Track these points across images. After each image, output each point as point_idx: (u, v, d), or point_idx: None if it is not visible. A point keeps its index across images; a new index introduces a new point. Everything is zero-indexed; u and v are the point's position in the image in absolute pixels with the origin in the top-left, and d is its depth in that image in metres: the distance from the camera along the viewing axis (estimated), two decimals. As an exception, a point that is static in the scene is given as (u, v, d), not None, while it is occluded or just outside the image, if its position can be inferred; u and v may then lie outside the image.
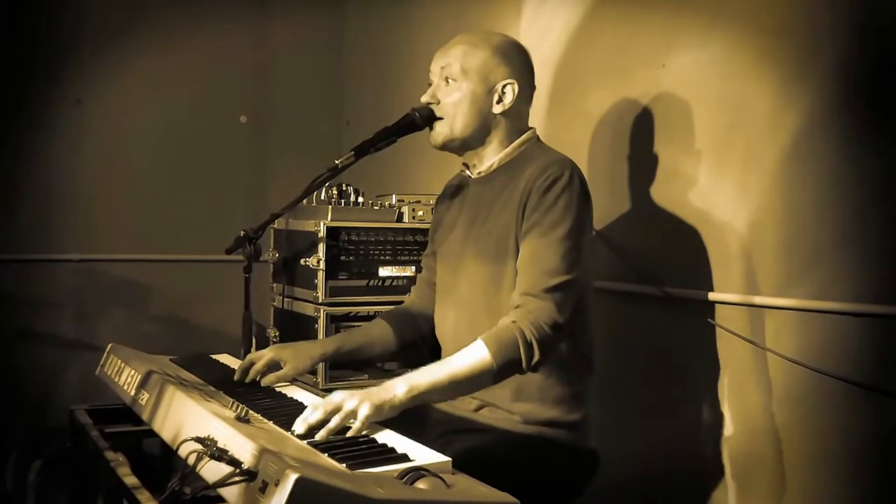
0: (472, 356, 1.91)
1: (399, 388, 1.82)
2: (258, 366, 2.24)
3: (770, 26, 2.31)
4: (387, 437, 1.67)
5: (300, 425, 1.69)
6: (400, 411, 1.81)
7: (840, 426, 2.16)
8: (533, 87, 2.28)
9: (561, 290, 1.98)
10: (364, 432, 1.69)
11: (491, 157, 2.25)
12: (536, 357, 1.93)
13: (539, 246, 2.02)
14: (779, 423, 2.30)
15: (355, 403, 1.74)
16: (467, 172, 2.32)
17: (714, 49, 2.47)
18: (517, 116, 2.24)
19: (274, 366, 2.27)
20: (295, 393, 2.11)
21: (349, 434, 1.67)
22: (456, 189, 2.40)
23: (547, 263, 2.00)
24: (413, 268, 2.96)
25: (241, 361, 2.39)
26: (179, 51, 4.15)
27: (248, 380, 2.22)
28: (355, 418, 1.72)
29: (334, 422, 1.70)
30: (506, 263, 2.11)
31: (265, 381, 2.20)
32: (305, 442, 1.60)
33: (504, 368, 1.92)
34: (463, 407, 2.18)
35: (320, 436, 1.66)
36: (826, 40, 2.17)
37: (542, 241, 2.02)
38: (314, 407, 1.73)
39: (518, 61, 2.23)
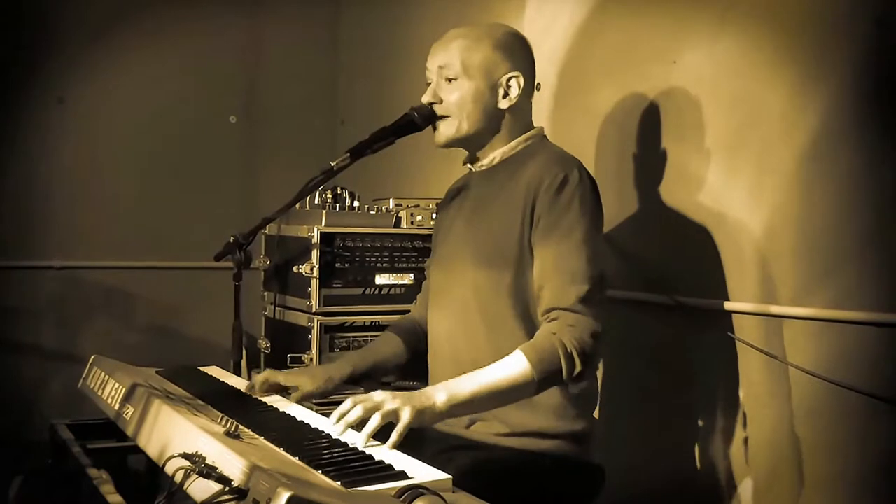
0: (512, 367, 1.94)
1: (439, 395, 1.85)
2: (265, 384, 2.23)
3: (786, 20, 2.32)
4: (384, 453, 1.68)
5: (338, 423, 1.73)
6: (440, 420, 1.85)
7: (861, 440, 2.16)
8: (535, 80, 2.30)
9: (593, 297, 2.02)
10: (361, 448, 1.69)
11: (493, 151, 2.26)
12: (578, 368, 1.96)
13: (561, 252, 2.05)
14: (796, 437, 2.30)
15: (397, 405, 1.76)
16: (469, 165, 2.34)
17: (727, 44, 2.47)
18: (522, 110, 2.26)
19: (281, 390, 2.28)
20: (287, 407, 2.11)
21: (389, 443, 1.69)
22: (457, 191, 2.41)
23: (574, 272, 2.02)
24: (412, 275, 2.96)
25: (229, 373, 2.40)
26: (166, 47, 4.15)
27: (257, 391, 2.22)
28: (397, 420, 1.73)
29: (375, 421, 1.72)
30: (506, 267, 2.12)
31: (291, 399, 2.19)
32: (297, 458, 1.60)
33: (545, 380, 1.95)
34: (455, 423, 2.18)
35: (362, 439, 1.69)
36: (845, 34, 2.18)
37: (563, 247, 2.05)
38: (352, 404, 1.76)
39: (520, 53, 2.25)
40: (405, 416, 1.75)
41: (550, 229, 2.06)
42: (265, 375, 2.25)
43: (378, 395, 1.79)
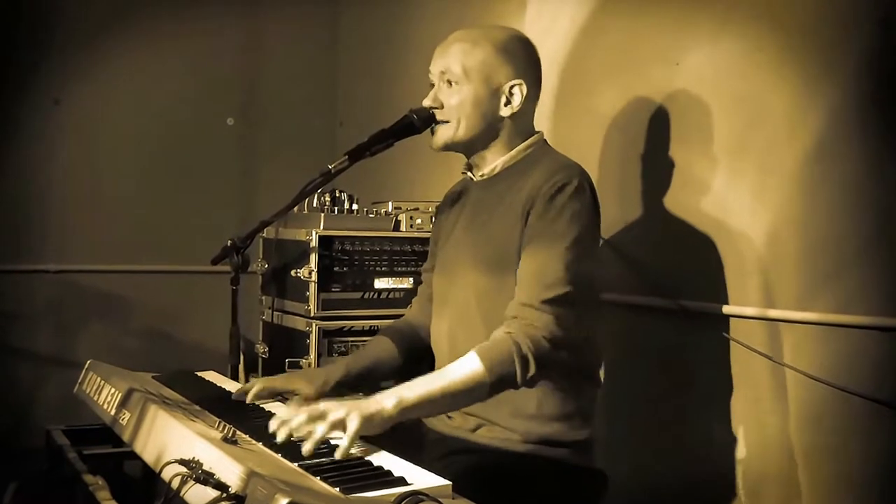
0: (465, 369, 1.92)
1: (388, 400, 1.82)
2: (262, 390, 2.23)
3: (789, 21, 2.32)
4: (383, 458, 1.68)
5: (281, 430, 1.69)
6: (390, 425, 1.81)
7: (863, 446, 2.16)
8: (539, 84, 2.28)
9: (561, 303, 1.99)
10: (358, 454, 1.69)
11: (494, 159, 2.25)
12: (532, 371, 1.93)
13: (542, 256, 2.03)
14: (798, 442, 2.30)
15: (343, 413, 1.73)
16: (469, 174, 2.33)
17: (730, 45, 2.48)
18: (524, 117, 2.24)
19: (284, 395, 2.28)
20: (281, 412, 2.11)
21: (337, 455, 1.66)
22: (457, 196, 2.40)
23: (548, 275, 2.00)
24: (411, 279, 2.96)
25: (227, 378, 2.40)
26: (163, 47, 4.16)
27: (249, 399, 2.20)
28: (343, 430, 1.71)
29: (321, 431, 1.68)
30: (507, 273, 2.11)
31: (289, 406, 2.17)
32: (297, 464, 1.60)
33: (498, 382, 1.92)
34: (461, 426, 2.19)
35: (306, 449, 1.64)
36: (850, 35, 2.18)
37: (545, 252, 2.03)
38: (295, 412, 1.73)
39: (523, 58, 2.22)
40: (353, 424, 1.71)
41: (537, 234, 2.05)
42: (259, 387, 2.22)
43: (324, 404, 1.76)
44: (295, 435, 1.71)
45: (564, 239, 2.02)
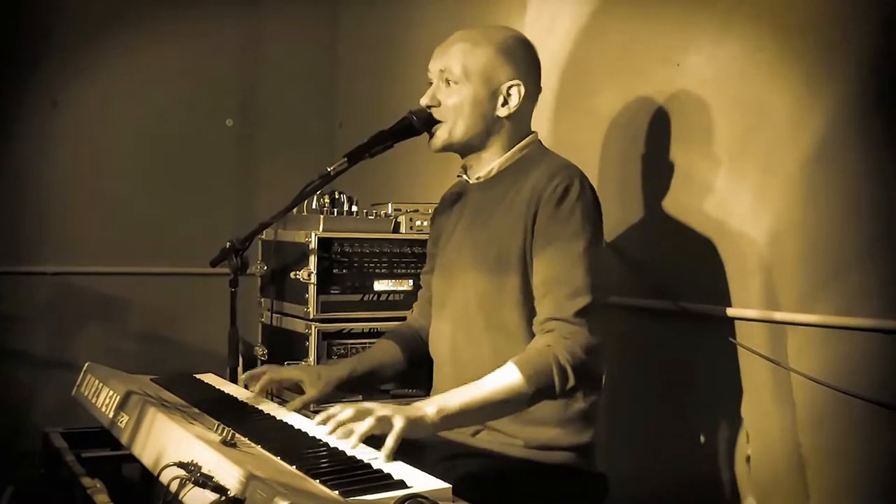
0: (504, 380, 1.94)
1: (429, 408, 1.85)
2: (276, 376, 2.28)
3: (791, 21, 2.33)
4: (382, 461, 1.68)
5: (328, 422, 1.75)
6: (432, 432, 1.85)
7: (867, 449, 2.16)
8: (539, 87, 2.29)
9: (591, 311, 2.01)
10: (350, 452, 1.69)
11: (491, 160, 2.25)
12: (571, 383, 1.96)
13: (560, 264, 2.04)
14: (801, 445, 2.30)
15: (389, 412, 1.77)
16: (465, 177, 2.33)
17: (731, 46, 2.48)
18: (521, 119, 2.24)
19: (294, 386, 2.29)
20: (284, 415, 2.11)
21: (386, 448, 1.68)
22: (454, 197, 2.41)
23: (572, 283, 2.02)
24: (411, 281, 2.96)
25: (226, 381, 2.40)
26: (162, 48, 4.16)
27: (257, 389, 2.24)
28: (389, 427, 1.73)
29: (366, 425, 1.72)
30: (508, 276, 2.11)
31: (290, 407, 2.19)
32: (295, 467, 1.60)
33: (537, 394, 1.95)
34: (462, 430, 2.19)
35: (353, 442, 1.70)
36: (852, 36, 2.18)
37: (563, 259, 2.04)
38: (343, 406, 1.77)
39: (524, 60, 2.23)
40: (398, 424, 1.74)
41: (551, 240, 2.06)
42: (267, 378, 2.26)
43: (369, 403, 1.80)
44: (340, 430, 1.75)
45: (578, 243, 2.04)
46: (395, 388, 2.90)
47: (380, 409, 1.77)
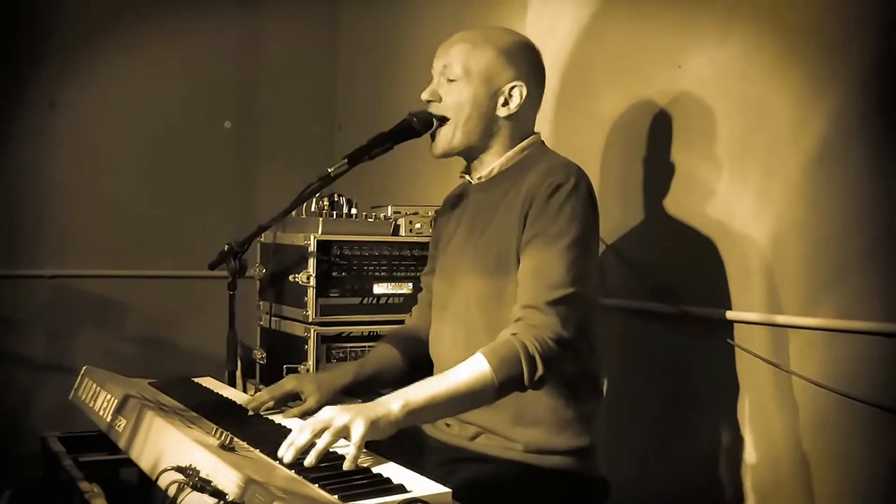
0: (471, 371, 1.90)
1: (394, 403, 1.80)
2: (276, 394, 2.23)
3: (792, 21, 2.33)
4: (381, 466, 1.68)
5: (287, 451, 1.66)
6: (396, 429, 1.79)
7: (869, 453, 2.16)
8: (542, 89, 2.29)
9: (565, 303, 1.98)
10: (308, 462, 1.66)
11: (491, 161, 2.25)
12: (539, 372, 1.92)
13: (542, 257, 2.03)
14: (803, 449, 2.30)
15: (347, 419, 1.71)
16: (467, 177, 2.33)
17: (732, 47, 2.48)
18: (522, 120, 2.24)
19: (292, 397, 2.27)
20: (283, 420, 2.11)
21: (346, 465, 1.63)
22: (455, 199, 2.41)
23: (551, 275, 2.00)
24: (410, 284, 2.97)
25: (224, 384, 2.40)
26: (160, 50, 4.16)
27: (262, 409, 2.19)
28: (348, 437, 1.70)
29: (324, 441, 1.67)
30: (507, 277, 2.11)
31: (287, 415, 2.17)
32: (294, 471, 1.61)
33: (505, 384, 1.91)
34: (460, 434, 2.19)
35: (309, 461, 1.63)
36: (854, 37, 2.18)
37: (545, 252, 2.03)
38: (300, 428, 1.70)
39: (526, 61, 2.23)
40: (358, 429, 1.69)
41: (536, 234, 2.05)
42: (268, 399, 2.22)
43: (327, 412, 1.74)
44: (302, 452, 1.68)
45: (564, 238, 2.02)
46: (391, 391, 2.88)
47: (339, 416, 1.72)
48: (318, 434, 1.69)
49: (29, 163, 3.93)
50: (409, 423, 1.82)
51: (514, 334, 1.95)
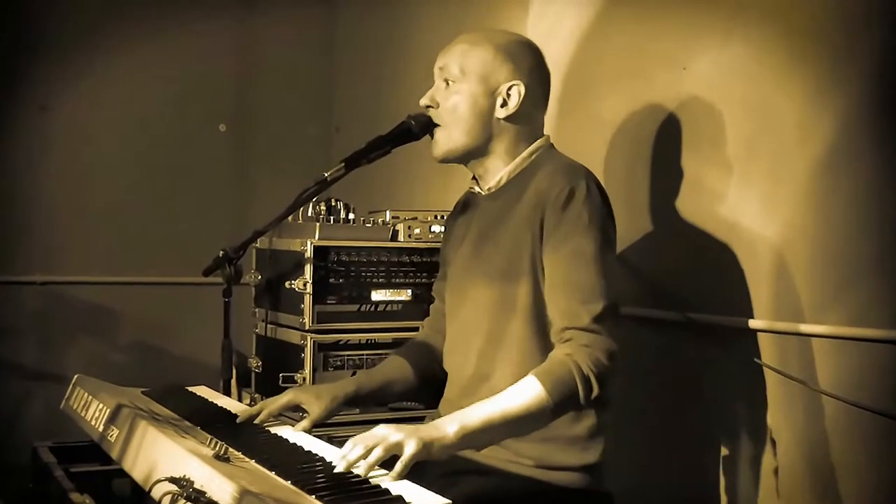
0: (525, 393, 1.90)
1: (450, 426, 1.81)
2: (272, 408, 2.22)
3: (799, 23, 2.33)
4: (380, 476, 1.68)
5: (340, 463, 1.69)
6: (450, 454, 1.81)
7: (877, 461, 2.16)
8: (545, 89, 2.27)
9: (607, 315, 1.99)
10: (360, 473, 1.69)
11: (498, 168, 2.23)
12: (595, 392, 1.93)
13: (572, 269, 2.03)
14: (812, 459, 2.30)
15: (401, 437, 1.73)
16: (477, 189, 2.31)
17: (738, 49, 2.48)
18: (526, 122, 2.22)
19: (290, 410, 2.26)
20: (279, 429, 2.11)
21: (393, 474, 1.66)
22: (465, 205, 2.39)
23: (586, 289, 2.00)
24: (409, 291, 2.96)
25: (219, 394, 2.39)
26: (154, 51, 4.17)
27: (259, 421, 2.18)
28: (400, 453, 1.71)
29: (376, 454, 1.69)
30: (518, 285, 2.10)
31: (298, 428, 2.15)
32: (290, 482, 1.60)
33: (561, 405, 1.91)
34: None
35: (363, 471, 1.66)
36: (861, 38, 2.18)
37: (573, 263, 2.03)
38: (353, 443, 1.72)
39: (526, 60, 2.21)
40: (410, 448, 1.71)
41: (559, 245, 2.04)
42: (265, 414, 2.20)
43: (381, 430, 1.75)
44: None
45: (589, 247, 2.02)
46: (410, 406, 2.87)
47: (393, 433, 1.74)
48: (370, 450, 1.71)
49: (19, 166, 3.93)
50: (464, 448, 1.86)
51: (567, 354, 1.95)
